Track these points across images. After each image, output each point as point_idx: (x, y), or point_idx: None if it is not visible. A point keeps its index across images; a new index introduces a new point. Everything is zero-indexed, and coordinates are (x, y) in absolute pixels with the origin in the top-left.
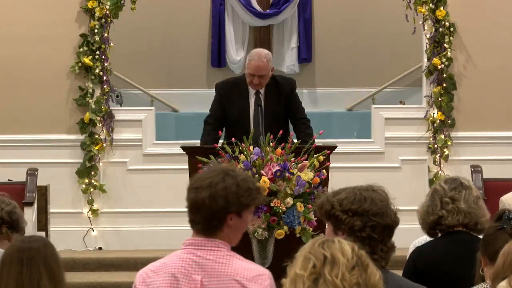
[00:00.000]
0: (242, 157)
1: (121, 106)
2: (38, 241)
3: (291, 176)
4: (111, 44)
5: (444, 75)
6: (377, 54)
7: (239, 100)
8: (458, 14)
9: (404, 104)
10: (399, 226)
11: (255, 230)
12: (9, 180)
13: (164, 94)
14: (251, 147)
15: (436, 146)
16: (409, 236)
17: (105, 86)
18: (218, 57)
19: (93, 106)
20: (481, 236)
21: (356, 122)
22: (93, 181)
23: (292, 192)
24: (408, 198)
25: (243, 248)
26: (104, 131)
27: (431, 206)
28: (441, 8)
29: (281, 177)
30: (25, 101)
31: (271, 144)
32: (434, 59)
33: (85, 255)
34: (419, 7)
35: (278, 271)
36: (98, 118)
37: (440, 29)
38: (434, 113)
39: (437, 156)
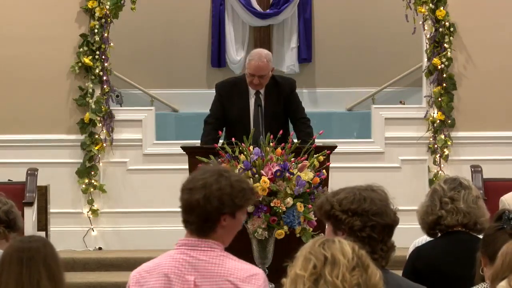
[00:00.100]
0: (242, 157)
1: (121, 106)
2: (38, 241)
3: (291, 176)
4: (111, 44)
5: (444, 75)
6: (377, 54)
7: (239, 100)
8: (458, 14)
9: (404, 104)
10: (399, 226)
11: (255, 230)
12: (9, 180)
13: (164, 94)
14: (251, 147)
15: (436, 146)
16: (409, 236)
17: (105, 86)
18: (218, 57)
19: (93, 106)
20: (480, 236)
21: (356, 122)
22: (93, 181)
23: (292, 192)
24: (408, 198)
25: (243, 248)
26: (104, 131)
27: (430, 206)
28: (441, 8)
29: (281, 177)
30: (25, 101)
31: (271, 144)
32: (434, 59)
33: (85, 255)
34: (419, 7)
35: (278, 271)
36: (98, 118)
37: (440, 29)
38: (434, 113)
39: (437, 156)
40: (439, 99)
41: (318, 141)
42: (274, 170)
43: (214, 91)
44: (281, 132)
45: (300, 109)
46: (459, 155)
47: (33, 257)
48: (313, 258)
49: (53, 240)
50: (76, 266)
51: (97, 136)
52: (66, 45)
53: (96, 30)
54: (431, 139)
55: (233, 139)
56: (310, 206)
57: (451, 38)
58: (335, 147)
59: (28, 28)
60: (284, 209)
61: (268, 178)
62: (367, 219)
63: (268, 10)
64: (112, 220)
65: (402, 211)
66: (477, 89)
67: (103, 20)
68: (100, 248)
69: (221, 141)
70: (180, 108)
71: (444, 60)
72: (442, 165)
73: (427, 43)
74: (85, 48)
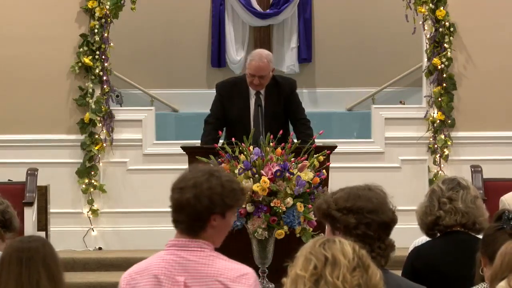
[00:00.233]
0: (242, 157)
1: (121, 106)
2: (37, 241)
3: (291, 176)
4: (111, 44)
5: (444, 75)
6: (377, 54)
7: (239, 100)
8: (458, 14)
9: (404, 104)
10: (399, 226)
11: (255, 230)
12: (9, 180)
13: (164, 94)
14: (251, 147)
15: (436, 146)
16: (409, 236)
17: (105, 86)
18: (218, 57)
19: (93, 106)
20: (479, 236)
21: (356, 122)
22: (93, 181)
23: (292, 192)
24: (408, 198)
25: (243, 248)
26: (104, 131)
27: (429, 207)
28: (441, 8)
29: (281, 177)
30: (25, 101)
31: (271, 144)
32: (434, 59)
33: (85, 255)
34: (419, 7)
35: (278, 271)
36: (98, 118)
37: (440, 29)
38: (434, 113)
39: (437, 156)
40: (439, 99)
41: (318, 141)
42: (274, 170)
43: (214, 91)
44: (281, 132)
45: (300, 110)
46: (459, 155)
47: (33, 257)
48: (313, 258)
49: (53, 240)
50: (76, 266)
51: (97, 136)
52: (66, 45)
53: (96, 30)
54: (431, 139)
55: (233, 139)
56: (310, 206)
57: (451, 38)
58: (335, 147)
59: (28, 28)
60: (284, 209)
61: (268, 178)
62: (362, 216)
63: (268, 10)
64: (112, 220)
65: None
66: (477, 89)
67: (103, 20)
68: (100, 248)
69: (221, 141)
70: (180, 108)
71: (444, 60)
72: (442, 165)
73: (427, 43)
74: (85, 48)
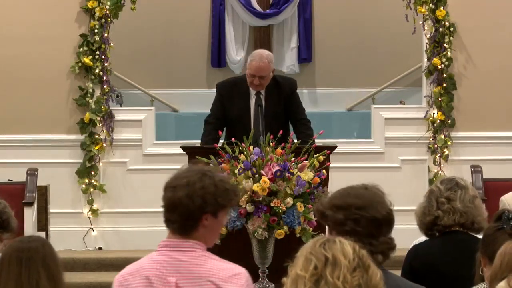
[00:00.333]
0: (242, 157)
1: (121, 106)
2: (37, 241)
3: (291, 176)
4: (111, 44)
5: (444, 75)
6: (377, 54)
7: (240, 100)
8: (458, 14)
9: (404, 104)
10: (398, 226)
11: (255, 230)
12: (9, 180)
13: (164, 94)
14: (251, 147)
15: (436, 146)
16: (409, 236)
17: (105, 86)
18: (218, 57)
19: (93, 106)
20: (478, 236)
21: (356, 122)
22: (93, 181)
23: (292, 192)
24: (408, 198)
25: (243, 248)
26: (104, 131)
27: (427, 207)
28: (441, 8)
29: (281, 177)
30: (25, 101)
31: (271, 144)
32: (434, 59)
33: (85, 255)
34: (419, 7)
35: (278, 271)
36: (98, 118)
37: (440, 29)
38: (434, 113)
39: (437, 156)
40: (439, 99)
41: (318, 141)
42: (274, 170)
43: (214, 91)
44: (281, 132)
45: (301, 110)
46: (459, 155)
47: (32, 257)
48: (313, 258)
49: (53, 240)
50: (76, 266)
51: (97, 136)
52: (66, 45)
53: (96, 30)
54: (431, 139)
55: (233, 139)
56: (310, 206)
57: (451, 38)
58: (335, 147)
59: (28, 28)
60: (284, 209)
61: (268, 178)
62: (350, 212)
63: (268, 10)
64: (112, 220)
65: (402, 211)
66: (477, 89)
67: (103, 20)
68: (100, 248)
69: (221, 141)
70: (180, 108)
71: (444, 60)
72: (442, 165)
73: (427, 43)
74: (85, 48)
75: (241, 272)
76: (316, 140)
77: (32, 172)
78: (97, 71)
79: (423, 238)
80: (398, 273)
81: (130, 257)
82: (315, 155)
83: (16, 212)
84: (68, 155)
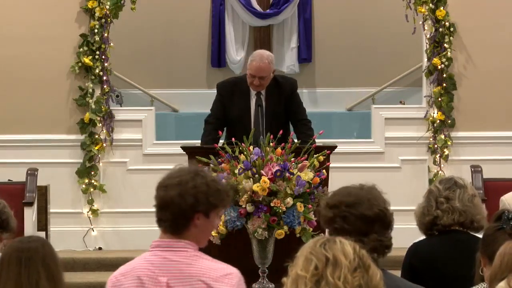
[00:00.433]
0: (242, 157)
1: (121, 106)
2: (37, 241)
3: (291, 176)
4: (111, 44)
5: (444, 75)
6: (377, 54)
7: (240, 100)
8: (458, 14)
9: (404, 104)
10: (398, 226)
11: (255, 230)
12: (9, 180)
13: (164, 94)
14: (251, 147)
15: (436, 146)
16: (409, 236)
17: (105, 86)
18: (218, 57)
19: (93, 106)
20: (478, 235)
21: (356, 122)
22: (93, 181)
23: (292, 192)
24: (408, 198)
25: (243, 248)
26: (104, 131)
27: (426, 207)
28: (441, 8)
29: (281, 177)
30: (25, 101)
31: (271, 144)
32: (434, 59)
33: (85, 255)
34: (419, 7)
35: (278, 271)
36: (98, 118)
37: (440, 29)
38: (434, 113)
39: (437, 156)
40: (439, 99)
41: (318, 141)
42: (274, 170)
43: (214, 91)
44: (281, 132)
45: (301, 110)
46: (459, 155)
47: (32, 257)
48: (314, 258)
49: (53, 240)
50: (76, 266)
51: (97, 136)
52: (66, 45)
53: (96, 30)
54: (431, 139)
55: (233, 139)
56: (310, 206)
57: (451, 38)
58: (335, 147)
59: (28, 28)
60: (284, 209)
61: (268, 178)
62: (339, 210)
63: (268, 10)
64: (112, 220)
65: (402, 211)
66: (477, 89)
67: (103, 20)
68: (100, 248)
69: (221, 141)
70: (180, 108)
71: (444, 60)
72: (442, 165)
73: (427, 43)
74: (85, 48)
75: (233, 272)
76: (316, 140)
77: (32, 172)
78: (97, 71)
79: (422, 238)
80: (398, 273)
81: (130, 257)
82: (315, 155)
83: (16, 212)
84: (68, 155)
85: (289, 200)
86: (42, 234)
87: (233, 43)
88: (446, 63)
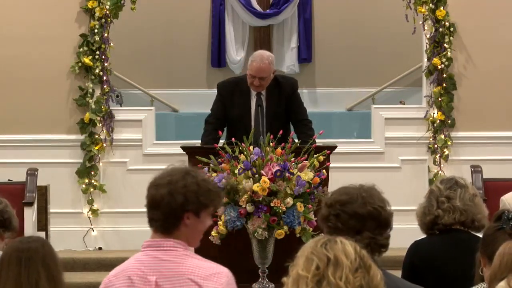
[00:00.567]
0: (242, 157)
1: (121, 106)
2: (36, 241)
3: (291, 176)
4: (111, 44)
5: (444, 75)
6: (377, 54)
7: (240, 100)
8: (458, 14)
9: (404, 104)
10: (398, 226)
11: (255, 230)
12: (9, 180)
13: (164, 94)
14: (251, 147)
15: (436, 146)
16: (409, 236)
17: (105, 86)
18: (218, 57)
19: (93, 106)
20: (479, 235)
21: (356, 122)
22: (93, 181)
23: (292, 192)
24: (408, 198)
25: (243, 248)
26: (104, 131)
27: (427, 207)
28: (441, 8)
29: (281, 177)
30: (25, 101)
31: (271, 144)
32: (434, 59)
33: (85, 255)
34: (419, 7)
35: (278, 271)
36: (98, 118)
37: (440, 29)
38: (434, 113)
39: (437, 156)
40: (439, 99)
41: (318, 141)
42: (274, 170)
43: (214, 91)
44: (281, 132)
45: (302, 110)
46: (459, 155)
47: (32, 257)
48: (315, 258)
49: (53, 240)
50: (76, 266)
51: (97, 136)
52: (66, 45)
53: (96, 30)
54: (431, 139)
55: (233, 139)
56: (310, 206)
57: (451, 38)
58: (335, 147)
59: (28, 28)
60: (284, 209)
61: (268, 178)
62: (333, 208)
63: (268, 10)
64: (112, 220)
65: (402, 211)
66: (477, 89)
67: (103, 20)
68: (100, 248)
69: (221, 141)
70: (180, 108)
71: (444, 60)
72: (442, 165)
73: (427, 43)
74: (85, 48)
75: (223, 271)
76: (316, 140)
77: (32, 172)
78: (97, 71)
79: (424, 236)
80: (398, 273)
81: (130, 257)
82: (315, 155)
83: (16, 212)
84: (68, 155)
85: (289, 200)
86: (42, 234)
87: (233, 43)
88: (446, 63)
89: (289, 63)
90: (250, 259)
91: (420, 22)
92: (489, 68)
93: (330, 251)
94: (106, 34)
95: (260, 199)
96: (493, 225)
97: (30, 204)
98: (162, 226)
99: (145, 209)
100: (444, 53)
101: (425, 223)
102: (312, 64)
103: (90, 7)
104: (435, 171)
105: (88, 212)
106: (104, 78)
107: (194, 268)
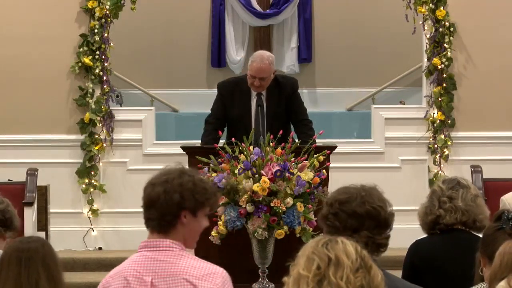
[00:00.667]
0: (242, 157)
1: (121, 106)
2: (36, 241)
3: (291, 176)
4: (111, 44)
5: (444, 75)
6: (377, 54)
7: (241, 100)
8: (458, 14)
9: (404, 104)
10: (398, 226)
11: (255, 230)
12: (9, 180)
13: (164, 94)
14: (251, 147)
15: (436, 146)
16: (409, 236)
17: (105, 86)
18: (218, 57)
19: (93, 106)
20: (480, 235)
21: (356, 122)
22: (93, 181)
23: (292, 192)
24: (408, 198)
25: (243, 248)
26: (104, 131)
27: (429, 207)
28: (441, 8)
29: (281, 177)
30: (25, 101)
31: (271, 144)
32: (434, 59)
33: (85, 255)
34: (419, 7)
35: (278, 271)
36: (98, 118)
37: (440, 29)
38: (434, 113)
39: (437, 156)
40: (439, 99)
41: (318, 141)
42: (274, 170)
43: (214, 91)
44: (281, 132)
45: (302, 110)
46: (459, 155)
47: (32, 258)
48: (316, 258)
49: (53, 240)
50: (76, 266)
51: (97, 136)
52: (66, 45)
53: (96, 30)
54: (431, 139)
55: (233, 139)
56: (310, 206)
57: (451, 38)
58: (335, 147)
59: (28, 28)
60: (284, 209)
61: (268, 178)
62: (332, 207)
63: (268, 10)
64: (112, 220)
65: (402, 211)
66: (477, 89)
67: (103, 20)
68: (100, 248)
69: (221, 141)
70: (180, 108)
71: (444, 60)
72: (442, 165)
73: (427, 43)
74: (85, 48)
75: (218, 272)
76: (316, 140)
77: (32, 172)
78: (97, 71)
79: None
80: (398, 273)
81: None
82: (315, 155)
83: (16, 212)
84: (68, 155)
85: (289, 200)
86: (42, 234)
87: (233, 43)
88: (446, 63)
89: (289, 63)
90: (250, 259)
91: (420, 22)
92: (489, 68)
93: (331, 251)
94: (106, 34)
95: (260, 199)
96: (493, 225)
97: (30, 204)
98: (159, 225)
99: None
100: (444, 53)
101: (427, 223)
102: (312, 64)
103: (90, 7)
104: (435, 171)
105: (88, 212)
106: (104, 78)
107: (189, 268)
